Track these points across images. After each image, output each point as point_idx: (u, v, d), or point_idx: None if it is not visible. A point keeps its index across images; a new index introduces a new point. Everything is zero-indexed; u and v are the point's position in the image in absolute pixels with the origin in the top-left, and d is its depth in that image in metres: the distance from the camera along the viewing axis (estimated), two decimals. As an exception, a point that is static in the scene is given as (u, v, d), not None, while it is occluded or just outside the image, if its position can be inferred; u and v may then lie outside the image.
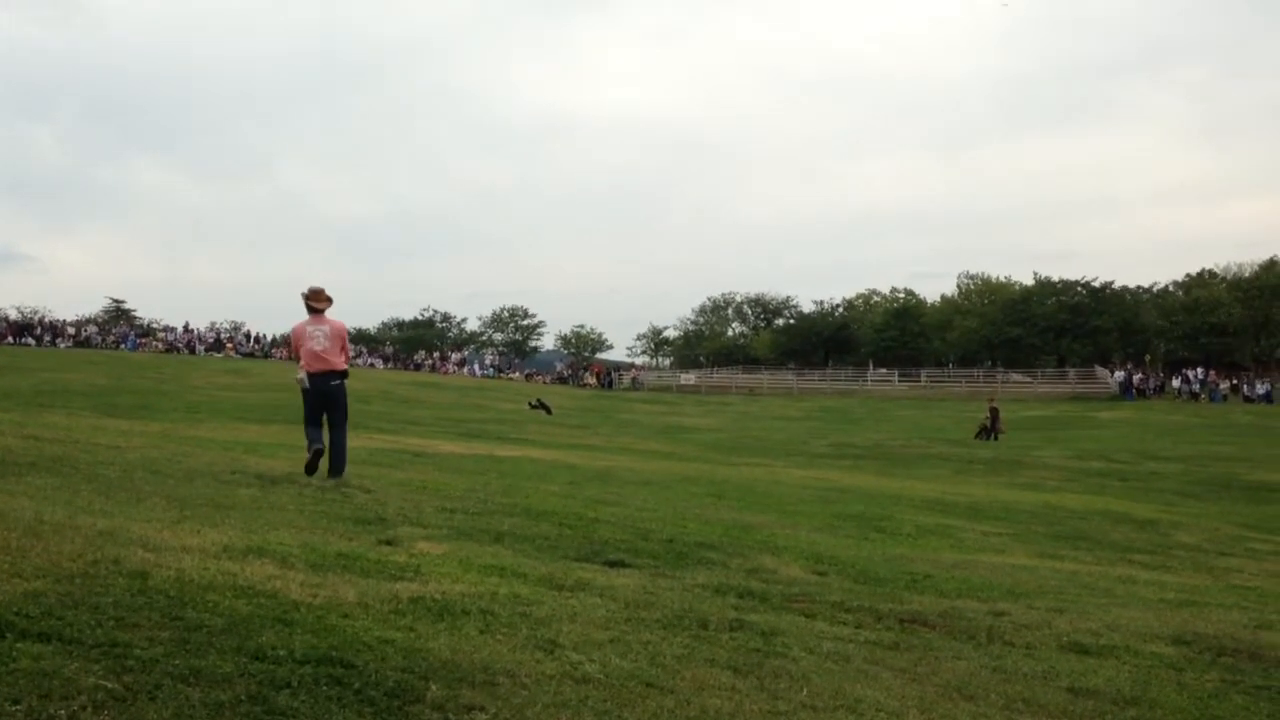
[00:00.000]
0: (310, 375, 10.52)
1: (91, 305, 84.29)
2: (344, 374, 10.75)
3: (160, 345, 62.20)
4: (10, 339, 59.10)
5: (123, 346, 60.37)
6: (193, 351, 61.18)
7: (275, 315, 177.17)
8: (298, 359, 10.78)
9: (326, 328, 10.62)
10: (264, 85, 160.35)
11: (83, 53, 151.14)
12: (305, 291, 10.70)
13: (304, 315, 10.79)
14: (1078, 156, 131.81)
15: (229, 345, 64.33)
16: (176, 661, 3.55)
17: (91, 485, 8.27)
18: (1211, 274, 73.35)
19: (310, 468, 10.47)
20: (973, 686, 4.57)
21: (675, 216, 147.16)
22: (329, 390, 10.57)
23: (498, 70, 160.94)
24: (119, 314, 79.83)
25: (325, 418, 10.68)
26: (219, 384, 38.91)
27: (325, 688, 3.50)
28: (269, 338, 68.57)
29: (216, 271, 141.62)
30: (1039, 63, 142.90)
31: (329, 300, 10.75)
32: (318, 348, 10.53)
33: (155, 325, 73.16)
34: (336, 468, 10.56)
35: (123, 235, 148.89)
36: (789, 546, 8.88)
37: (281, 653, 3.79)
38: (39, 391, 29.88)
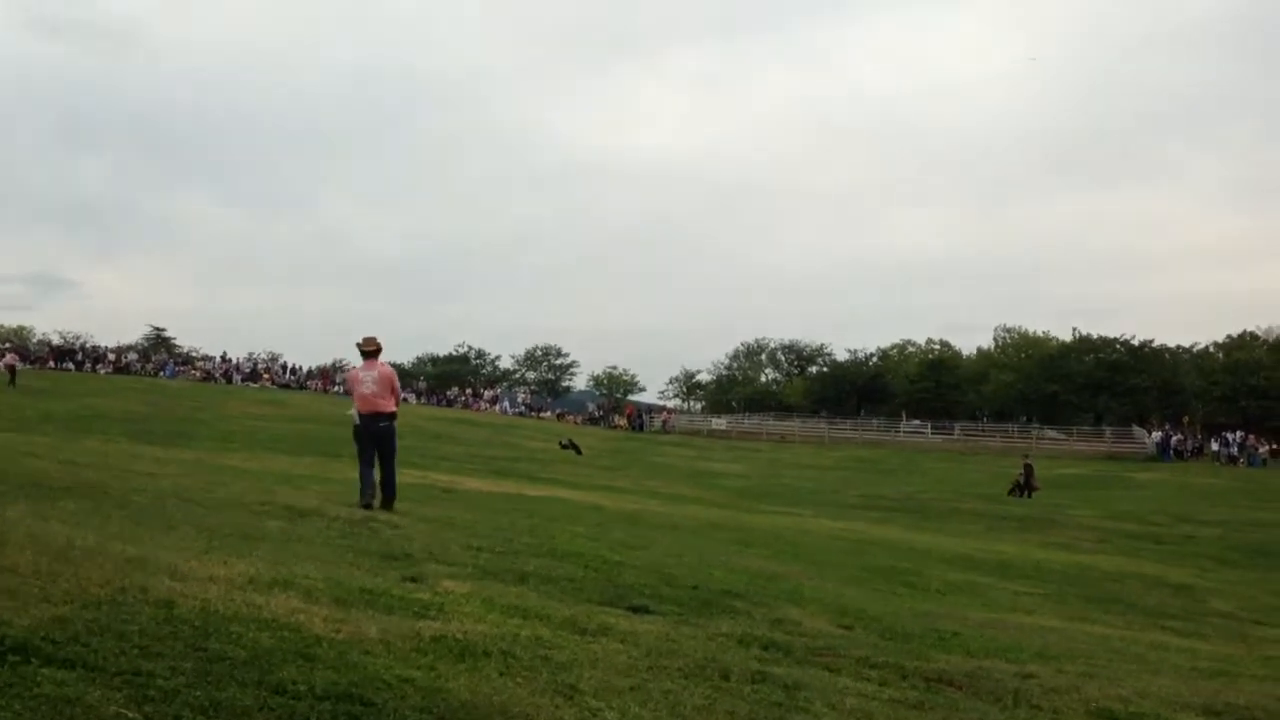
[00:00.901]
0: (361, 415, 11.64)
1: (132, 333, 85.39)
2: (392, 415, 11.80)
3: (198, 374, 62.87)
4: (51, 364, 59.98)
5: (162, 374, 61.06)
6: (230, 381, 61.81)
7: (313, 347, 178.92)
8: (354, 400, 11.91)
9: (375, 373, 11.74)
10: (307, 121, 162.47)
11: (133, 85, 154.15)
12: (359, 341, 11.90)
13: (359, 360, 12.03)
14: (1115, 213, 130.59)
15: (266, 376, 64.97)
16: (198, 693, 3.57)
17: (123, 512, 8.35)
18: (1253, 336, 72.49)
19: (365, 506, 11.33)
20: (997, 750, 4.49)
21: (710, 260, 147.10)
22: (377, 431, 11.64)
23: (536, 112, 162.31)
24: (159, 342, 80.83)
25: (377, 456, 11.66)
26: (254, 414, 39.25)
27: (343, 725, 3.50)
28: (305, 369, 69.24)
29: (256, 303, 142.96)
30: (1077, 118, 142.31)
31: (379, 347, 11.87)
32: (367, 391, 11.68)
33: (194, 354, 74.06)
34: (387, 499, 11.60)
35: (165, 264, 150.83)
36: (815, 598, 8.80)
37: (302, 688, 3.80)
38: (77, 416, 30.27)
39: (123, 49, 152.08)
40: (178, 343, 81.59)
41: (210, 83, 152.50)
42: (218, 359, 67.87)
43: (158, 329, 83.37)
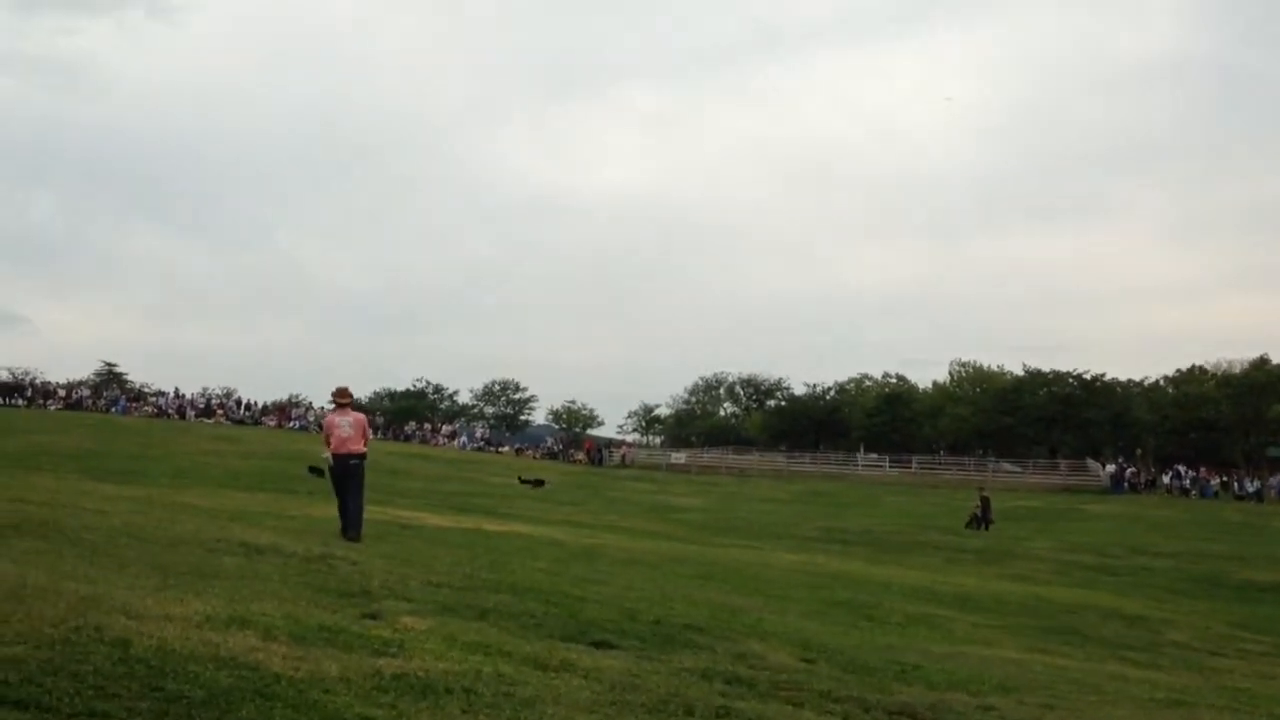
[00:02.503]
0: (336, 456, 13.13)
1: (84, 369, 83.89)
2: (363, 455, 13.35)
3: (151, 410, 61.95)
4: (0, 400, 58.92)
5: (113, 410, 60.09)
6: (183, 417, 60.94)
7: (268, 383, 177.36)
8: (327, 444, 13.37)
9: (350, 419, 13.40)
10: (265, 156, 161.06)
11: (86, 120, 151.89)
12: (333, 391, 13.70)
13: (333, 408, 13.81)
14: (1065, 250, 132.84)
15: (220, 411, 64.12)
16: (155, 734, 3.51)
17: (75, 550, 8.20)
18: (1202, 370, 73.73)
19: (346, 537, 12.53)
20: (961, 782, 4.50)
21: (669, 296, 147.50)
22: (349, 469, 13.09)
23: (495, 148, 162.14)
24: (111, 377, 79.57)
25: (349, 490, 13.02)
26: (208, 450, 38.72)
27: (304, 765, 3.45)
28: (260, 405, 68.45)
29: (210, 338, 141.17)
30: (1026, 159, 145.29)
31: (351, 397, 13.80)
32: (344, 434, 13.18)
33: (146, 390, 72.97)
34: (355, 527, 12.79)
35: (118, 299, 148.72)
36: (777, 632, 8.80)
37: (261, 727, 3.74)
38: (27, 453, 29.71)
39: (75, 83, 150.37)
40: (130, 378, 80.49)
41: (163, 118, 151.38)
42: (170, 395, 66.94)
43: (109, 364, 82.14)
